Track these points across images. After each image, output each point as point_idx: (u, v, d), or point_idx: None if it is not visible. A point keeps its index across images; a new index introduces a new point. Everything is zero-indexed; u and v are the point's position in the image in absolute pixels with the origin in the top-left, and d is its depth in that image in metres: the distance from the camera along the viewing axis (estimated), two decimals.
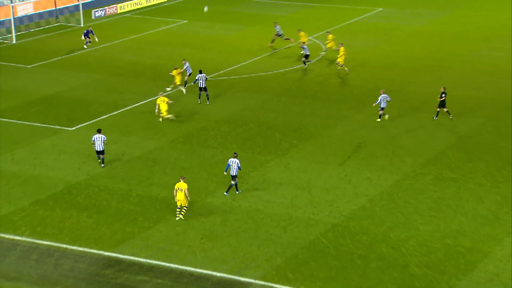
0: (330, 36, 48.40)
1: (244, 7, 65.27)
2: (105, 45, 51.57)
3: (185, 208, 27.14)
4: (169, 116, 36.33)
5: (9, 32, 52.85)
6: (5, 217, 27.02)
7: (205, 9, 38.67)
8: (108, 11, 61.07)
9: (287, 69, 46.32)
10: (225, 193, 28.91)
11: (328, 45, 48.30)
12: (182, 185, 26.92)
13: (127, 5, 63.07)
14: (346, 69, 45.07)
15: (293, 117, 37.97)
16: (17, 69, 46.10)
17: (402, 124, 36.82)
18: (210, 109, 38.73)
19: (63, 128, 36.07)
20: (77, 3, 59.35)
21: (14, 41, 52.16)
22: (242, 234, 26.23)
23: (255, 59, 48.71)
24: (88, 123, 36.67)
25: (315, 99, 40.84)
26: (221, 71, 45.84)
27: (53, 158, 32.47)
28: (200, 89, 39.23)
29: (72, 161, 32.06)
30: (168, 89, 41.22)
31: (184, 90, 40.66)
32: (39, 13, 58.99)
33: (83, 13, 57.91)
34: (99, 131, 31.31)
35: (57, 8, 59.78)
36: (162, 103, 36.28)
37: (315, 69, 46.50)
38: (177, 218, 27.07)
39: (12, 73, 45.31)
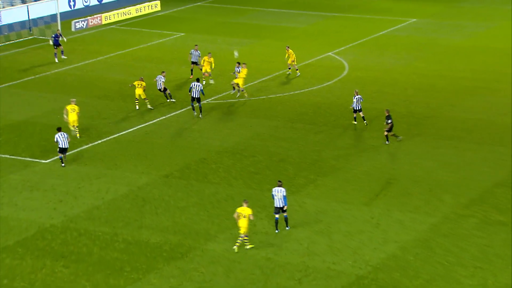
0: (290, 51, 48.97)
1: (251, 17, 65.88)
2: (86, 62, 52.06)
3: (246, 237, 28.13)
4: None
5: None
6: None
7: (236, 54, 41.20)
8: (91, 22, 61.74)
9: (302, 91, 46.57)
10: (276, 230, 29.47)
11: (289, 61, 48.94)
12: (246, 211, 28.00)
13: (114, 15, 63.76)
14: (296, 71, 48.47)
15: (310, 147, 38.07)
16: None
17: (440, 157, 36.84)
18: (211, 137, 38.93)
19: (36, 160, 36.27)
20: (54, 12, 60.06)
21: None
22: (249, 287, 26.15)
23: (264, 78, 49.01)
24: (66, 154, 36.83)
25: (336, 126, 40.96)
26: (224, 93, 46.13)
27: (23, 196, 32.59)
28: (193, 99, 40.68)
29: (47, 200, 32.18)
30: (211, 81, 45.04)
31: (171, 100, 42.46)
32: (8, 24, 59.65)
33: (61, 24, 58.53)
34: (59, 129, 35.33)
35: (30, 18, 60.45)
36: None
37: (335, 90, 46.74)
38: (234, 247, 28.06)
39: None
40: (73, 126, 38.72)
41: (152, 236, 29.28)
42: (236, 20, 64.58)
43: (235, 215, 28.36)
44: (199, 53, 47.94)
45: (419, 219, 30.64)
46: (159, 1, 67.99)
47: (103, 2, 67.24)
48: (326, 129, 40.44)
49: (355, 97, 39.81)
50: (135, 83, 42.58)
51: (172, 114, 42.31)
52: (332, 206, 31.83)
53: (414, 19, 64.14)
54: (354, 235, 29.43)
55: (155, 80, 43.75)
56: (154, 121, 41.24)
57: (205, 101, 44.37)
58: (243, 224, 28.13)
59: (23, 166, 35.46)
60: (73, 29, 60.13)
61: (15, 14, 60.75)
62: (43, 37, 57.56)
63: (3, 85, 47.28)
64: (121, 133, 39.50)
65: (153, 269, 27.16)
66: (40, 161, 36.09)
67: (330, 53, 54.55)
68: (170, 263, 27.45)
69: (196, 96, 40.67)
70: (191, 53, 47.78)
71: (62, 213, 30.97)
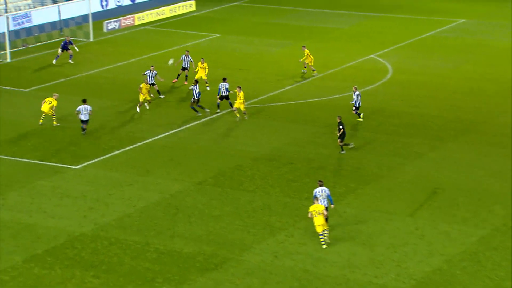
0: (307, 51, 49.42)
1: (289, 18, 65.94)
2: (118, 64, 52.57)
3: (326, 232, 28.86)
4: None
5: (3, 48, 54.27)
6: None
7: (170, 62, 41.02)
8: (124, 22, 62.32)
9: (343, 95, 46.47)
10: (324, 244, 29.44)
11: (307, 60, 49.48)
12: (319, 208, 28.78)
13: (147, 15, 64.28)
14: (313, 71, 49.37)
15: (351, 154, 37.96)
16: (11, 94, 47.24)
17: (490, 165, 36.49)
18: (247, 143, 39.03)
19: (66, 166, 36.70)
20: (85, 13, 60.79)
21: (8, 59, 53.54)
22: None
23: (303, 82, 49.02)
24: (96, 160, 37.26)
25: (378, 132, 40.80)
26: (261, 97, 46.23)
27: (53, 203, 33.00)
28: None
29: (77, 207, 32.54)
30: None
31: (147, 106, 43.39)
32: (39, 25, 60.49)
33: (93, 25, 59.20)
34: (84, 101, 39.76)
35: (61, 19, 61.23)
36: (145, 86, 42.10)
37: (378, 94, 46.56)
38: (324, 246, 28.79)
39: (5, 98, 46.44)
40: (43, 114, 41.01)
41: (185, 246, 29.43)
42: (274, 21, 64.70)
43: (309, 215, 28.97)
44: (190, 59, 47.64)
45: (466, 231, 30.36)
46: (194, 1, 68.40)
47: (136, 2, 67.86)
48: (368, 135, 40.29)
49: (355, 93, 40.95)
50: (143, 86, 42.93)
51: (206, 119, 42.52)
52: (374, 217, 31.69)
53: (463, 20, 63.64)
54: (398, 247, 29.27)
55: (144, 74, 44.41)
56: (188, 126, 41.48)
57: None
58: (320, 222, 28.84)
59: (53, 172, 35.91)
60: (105, 30, 60.76)
61: (46, 15, 61.56)
62: (75, 38, 58.23)
63: (33, 87, 47.95)
64: (154, 138, 39.79)
65: (186, 280, 27.30)
66: (70, 167, 36.51)
67: (372, 55, 54.37)
68: (203, 275, 27.57)
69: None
70: (182, 59, 47.60)
71: (93, 221, 31.29)
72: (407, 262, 28.24)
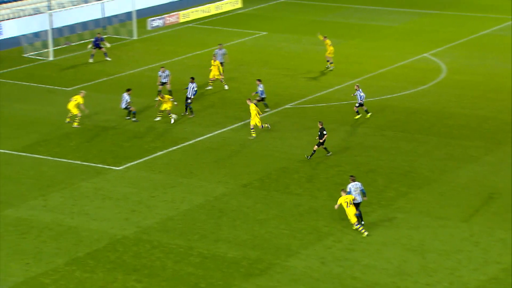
0: (328, 41, 50.30)
1: (339, 15, 65.74)
2: (162, 63, 52.91)
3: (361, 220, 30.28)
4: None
5: (45, 46, 55.02)
6: (34, 279, 27.82)
7: (173, 118, 40.99)
8: (168, 20, 62.73)
9: (394, 95, 46.18)
10: (362, 222, 30.66)
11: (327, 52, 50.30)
12: (349, 198, 29.90)
13: (192, 12, 64.60)
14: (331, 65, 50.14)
15: (402, 157, 37.70)
16: (53, 93, 47.86)
17: None
18: (294, 145, 38.98)
19: (109, 167, 37.05)
20: (129, 10, 61.34)
21: (50, 58, 54.26)
22: None
23: (353, 81, 48.81)
24: (139, 161, 37.55)
25: (431, 134, 40.46)
26: (308, 97, 46.15)
27: (95, 205, 33.34)
28: (187, 98, 42.37)
29: (119, 210, 32.82)
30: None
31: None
32: (82, 22, 61.19)
33: (136, 22, 59.70)
34: (128, 90, 41.95)
35: (104, 16, 61.84)
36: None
37: (431, 95, 46.17)
38: (365, 233, 29.96)
39: (47, 97, 47.06)
40: (70, 113, 41.44)
41: (229, 251, 29.49)
42: (322, 18, 64.55)
43: (336, 207, 30.18)
44: (224, 51, 48.14)
45: None
46: None
47: None
48: (420, 137, 39.98)
49: (358, 91, 41.48)
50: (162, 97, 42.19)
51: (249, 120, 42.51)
52: (426, 222, 31.42)
53: None
54: (451, 255, 28.98)
55: (159, 75, 45.17)
56: (232, 126, 41.58)
57: (287, 106, 44.51)
58: (353, 211, 29.88)
59: (95, 173, 36.27)
60: (148, 28, 61.21)
61: (89, 12, 62.29)
62: (118, 36, 58.80)
63: (75, 87, 48.48)
64: (198, 139, 39.95)
65: (229, 286, 27.35)
66: (113, 168, 36.84)
67: (425, 54, 53.95)
68: (248, 280, 27.60)
69: (190, 96, 42.32)
70: (215, 54, 47.73)
71: (135, 224, 31.52)
72: (461, 270, 27.94)
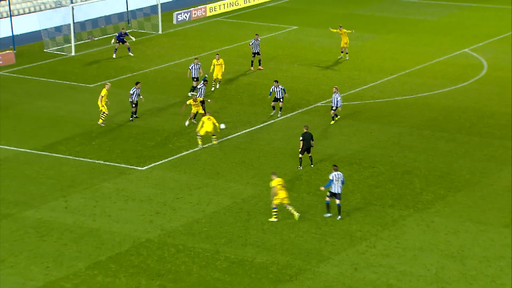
0: (344, 30, 51.10)
1: (374, 8, 65.47)
2: (188, 58, 53.01)
3: (290, 205, 31.39)
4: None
5: (68, 41, 55.34)
6: (54, 283, 27.99)
7: (222, 126, 38.94)
8: (194, 13, 62.84)
9: (432, 93, 45.90)
10: (328, 214, 32.00)
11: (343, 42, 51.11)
12: (281, 181, 31.24)
13: (219, 5, 64.68)
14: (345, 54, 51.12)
15: (440, 158, 37.45)
16: (76, 89, 48.14)
17: None
18: (325, 145, 38.85)
19: (132, 167, 37.18)
20: (154, 3, 61.54)
21: (72, 53, 54.58)
22: None
23: (388, 78, 48.58)
24: (164, 161, 37.63)
25: (472, 134, 40.15)
26: (342, 94, 46.00)
27: (118, 206, 33.46)
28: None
29: (142, 212, 32.91)
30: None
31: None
32: (105, 16, 61.47)
33: (162, 16, 59.88)
34: (137, 84, 41.66)
35: (128, 10, 62.11)
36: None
37: (471, 92, 45.82)
38: (296, 215, 31.43)
39: (69, 94, 47.34)
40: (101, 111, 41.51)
41: (258, 255, 29.46)
42: (356, 12, 64.33)
43: (272, 191, 31.23)
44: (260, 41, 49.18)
45: None
46: None
47: None
48: (460, 137, 39.69)
49: (335, 94, 40.67)
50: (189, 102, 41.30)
51: (281, 118, 42.50)
52: (465, 227, 31.18)
53: None
54: (492, 261, 28.73)
55: (189, 69, 45.11)
56: (261, 125, 41.55)
57: (319, 103, 44.40)
58: (284, 195, 31.24)
59: (118, 173, 36.41)
60: (174, 22, 61.37)
61: (113, 5, 62.57)
62: (143, 31, 59.00)
63: (98, 83, 48.72)
64: (225, 138, 39.94)
65: None
66: (136, 168, 36.96)
67: (465, 50, 53.56)
68: (277, 286, 27.55)
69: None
70: (251, 44, 48.60)
71: (159, 227, 31.59)
72: (503, 278, 27.70)
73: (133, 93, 41.85)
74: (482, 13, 62.88)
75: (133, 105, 41.91)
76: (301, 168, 36.17)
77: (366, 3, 66.73)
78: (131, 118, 42.02)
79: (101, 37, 57.89)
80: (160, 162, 37.44)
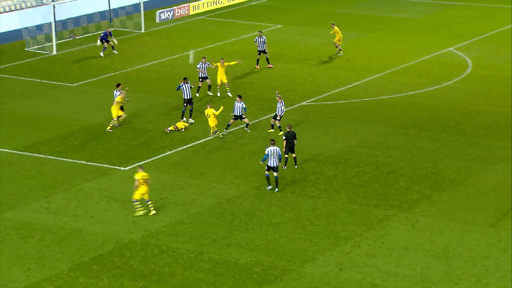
0: (336, 28, 51.75)
1: (359, 7, 65.66)
2: (172, 57, 53.01)
3: (149, 201, 32.22)
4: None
5: (49, 40, 55.21)
6: (36, 285, 27.94)
7: (191, 57, 37.94)
8: (178, 12, 62.83)
9: (417, 92, 46.08)
10: (272, 188, 34.00)
11: (336, 39, 51.84)
12: (146, 176, 31.95)
13: (203, 4, 64.69)
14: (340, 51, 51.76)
15: (425, 157, 37.61)
16: (57, 89, 48.03)
17: None
18: (310, 144, 38.96)
19: (115, 167, 37.15)
20: (137, 2, 61.47)
21: (54, 52, 54.45)
22: None
23: (373, 77, 48.74)
24: (147, 161, 37.62)
25: (457, 133, 40.34)
26: (326, 94, 46.12)
27: (100, 207, 33.43)
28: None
29: (125, 212, 32.90)
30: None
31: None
32: (87, 15, 61.35)
33: (144, 15, 59.83)
34: (118, 86, 40.98)
35: (110, 8, 62.00)
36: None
37: (456, 91, 46.04)
38: (140, 213, 32.20)
39: (50, 93, 47.24)
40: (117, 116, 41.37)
41: (242, 256, 29.51)
42: (341, 10, 64.50)
43: (135, 184, 31.92)
44: (264, 38, 49.45)
45: None
46: None
47: None
48: (445, 137, 39.87)
49: (280, 103, 39.55)
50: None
51: (266, 117, 42.58)
52: (450, 227, 31.34)
53: None
54: (477, 261, 28.89)
55: (198, 68, 44.85)
56: (245, 125, 41.51)
57: (303, 103, 44.49)
58: (144, 190, 31.87)
59: (100, 173, 36.38)
60: (157, 20, 61.33)
61: (95, 4, 62.44)
62: (125, 29, 58.93)
63: (80, 82, 48.65)
64: (209, 138, 39.98)
65: None
66: (119, 168, 36.94)
67: (450, 48, 53.80)
68: (262, 287, 27.62)
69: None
70: (255, 41, 48.75)
71: (142, 227, 31.59)
72: (488, 278, 27.85)
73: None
74: (467, 12, 63.19)
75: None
76: (285, 167, 36.26)
77: (351, 2, 66.91)
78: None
79: (82, 36, 57.78)
80: (143, 162, 37.41)
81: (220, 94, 45.48)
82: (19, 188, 34.91)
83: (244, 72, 49.25)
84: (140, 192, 32.15)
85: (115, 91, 41.59)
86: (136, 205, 32.31)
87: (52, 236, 30.94)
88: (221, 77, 45.09)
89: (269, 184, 34.15)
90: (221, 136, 39.48)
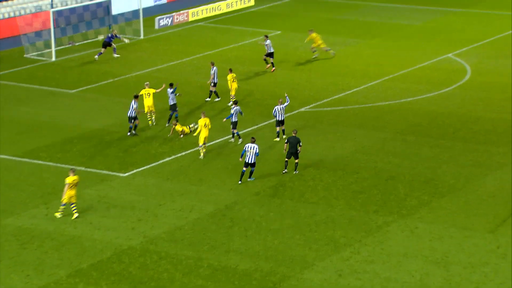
0: (314, 34, 52.63)
1: (358, 13, 65.74)
2: (171, 63, 53.06)
3: (74, 205, 32.65)
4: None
5: (48, 46, 55.24)
6: None
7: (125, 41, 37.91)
8: (177, 18, 62.90)
9: (416, 98, 46.12)
10: (239, 181, 35.15)
11: (315, 45, 52.57)
12: (75, 179, 32.36)
13: (202, 10, 64.76)
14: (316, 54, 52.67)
15: (424, 163, 37.63)
16: (56, 95, 48.05)
17: None
18: (309, 150, 38.98)
19: (114, 174, 37.16)
20: (136, 8, 61.52)
21: (53, 58, 54.48)
22: None
23: (372, 83, 48.78)
24: (146, 167, 37.65)
25: (456, 140, 40.37)
26: (325, 100, 46.16)
27: (99, 214, 33.44)
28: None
29: (124, 219, 32.91)
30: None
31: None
32: (86, 21, 61.39)
33: (143, 21, 59.89)
34: (136, 97, 40.60)
35: (110, 14, 62.05)
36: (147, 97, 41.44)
37: (455, 97, 46.09)
38: (57, 214, 32.50)
39: (49, 100, 47.25)
40: (150, 111, 41.91)
41: (241, 262, 29.52)
42: (340, 17, 64.57)
43: (65, 188, 32.13)
44: (269, 42, 50.29)
45: None
46: None
47: None
48: (444, 143, 39.90)
49: (279, 107, 39.62)
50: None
51: (265, 123, 42.61)
52: (450, 233, 31.35)
53: None
54: (476, 267, 28.91)
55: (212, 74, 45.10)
56: (245, 131, 41.61)
57: (302, 109, 44.53)
58: (72, 193, 32.25)
59: (99, 180, 36.39)
60: (156, 27, 61.40)
61: (94, 10, 62.42)
62: (124, 36, 58.98)
63: (79, 89, 48.67)
64: (208, 144, 39.98)
65: None
66: (118, 174, 36.95)
67: (449, 55, 53.86)
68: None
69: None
70: (267, 45, 49.00)
71: (141, 234, 31.60)
72: (487, 284, 27.86)
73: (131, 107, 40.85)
74: (466, 18, 63.27)
75: (131, 120, 40.56)
76: (285, 171, 36.29)
77: (350, 8, 66.99)
78: (134, 132, 40.88)
79: (81, 42, 57.82)
80: (143, 168, 37.44)
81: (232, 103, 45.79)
82: (18, 194, 34.92)
83: (242, 78, 49.26)
84: (69, 195, 32.42)
85: (132, 102, 40.73)
86: (63, 208, 32.71)
87: (51, 242, 30.94)
88: (234, 86, 44.80)
89: (240, 180, 35.34)
90: (239, 142, 39.71)
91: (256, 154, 35.14)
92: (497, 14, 63.96)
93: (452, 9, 65.95)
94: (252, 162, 35.17)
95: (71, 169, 33.09)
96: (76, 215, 32.63)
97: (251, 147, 35.16)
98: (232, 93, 44.83)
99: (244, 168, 35.24)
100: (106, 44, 53.29)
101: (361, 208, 33.40)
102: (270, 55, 50.53)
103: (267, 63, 50.84)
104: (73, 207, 32.67)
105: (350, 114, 43.83)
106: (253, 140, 35.45)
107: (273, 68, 50.73)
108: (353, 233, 31.30)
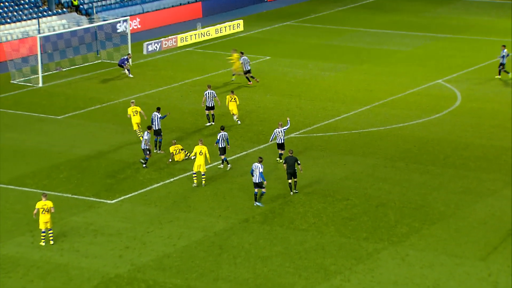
0: (235, 55, 53.32)
1: (347, 39, 66.03)
2: (159, 89, 53.08)
3: (51, 231, 32.46)
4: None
5: (35, 72, 55.22)
6: None
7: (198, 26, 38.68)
8: (165, 44, 63.02)
9: (406, 124, 46.23)
10: (256, 203, 35.52)
11: (235, 66, 53.28)
12: (48, 204, 32.28)
13: (190, 36, 64.92)
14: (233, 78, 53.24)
15: (415, 190, 37.65)
16: (43, 121, 47.97)
17: None
18: (299, 176, 38.96)
19: (101, 200, 37.03)
20: (124, 34, 61.56)
21: (40, 84, 54.45)
22: None
23: (362, 109, 48.88)
24: (133, 194, 37.55)
25: (446, 166, 40.43)
26: (315, 126, 46.21)
27: (86, 241, 33.27)
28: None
29: (112, 246, 32.76)
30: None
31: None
32: (74, 47, 61.44)
33: (132, 47, 59.98)
34: (149, 128, 40.47)
35: (97, 40, 62.15)
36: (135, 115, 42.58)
37: (445, 124, 46.21)
38: (42, 243, 32.31)
39: (36, 126, 47.16)
40: (138, 128, 42.85)
41: None
42: (330, 42, 64.83)
43: (35, 212, 32.19)
44: (247, 58, 51.54)
45: None
46: (242, 21, 68.94)
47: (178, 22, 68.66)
48: (434, 169, 39.96)
49: (279, 129, 40.18)
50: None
51: (255, 149, 42.61)
52: (440, 260, 31.31)
53: None
54: None
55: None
56: (234, 157, 41.59)
57: (292, 135, 44.56)
58: (45, 219, 32.11)
59: (87, 207, 36.26)
60: (144, 52, 61.48)
61: (81, 36, 62.49)
62: (112, 61, 59.05)
63: (66, 115, 48.61)
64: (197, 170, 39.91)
65: None
66: (105, 201, 36.83)
67: (439, 81, 54.08)
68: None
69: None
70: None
71: (129, 262, 31.45)
72: None
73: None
74: (456, 44, 63.61)
75: (148, 152, 39.89)
76: (295, 192, 36.81)
77: (340, 34, 67.29)
78: (144, 165, 40.29)
79: (69, 68, 57.84)
80: (130, 195, 37.34)
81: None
82: (3, 222, 34.73)
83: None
84: (43, 221, 32.30)
85: (145, 133, 40.36)
86: (44, 236, 32.54)
87: (37, 271, 30.75)
88: (232, 107, 45.49)
89: (256, 201, 35.79)
90: (228, 168, 39.86)
91: (260, 174, 35.33)
92: (487, 40, 64.34)
93: (442, 35, 66.32)
94: (258, 181, 35.47)
95: (43, 194, 33.07)
96: (51, 242, 32.48)
97: (256, 167, 35.56)
98: (235, 112, 45.59)
99: (256, 190, 35.69)
100: (123, 64, 54.93)
101: (351, 235, 33.35)
102: (248, 72, 51.90)
103: (249, 80, 52.06)
104: (50, 232, 32.53)
105: (340, 140, 43.89)
106: (260, 160, 35.84)
107: (257, 79, 52.61)
108: (343, 260, 31.22)
